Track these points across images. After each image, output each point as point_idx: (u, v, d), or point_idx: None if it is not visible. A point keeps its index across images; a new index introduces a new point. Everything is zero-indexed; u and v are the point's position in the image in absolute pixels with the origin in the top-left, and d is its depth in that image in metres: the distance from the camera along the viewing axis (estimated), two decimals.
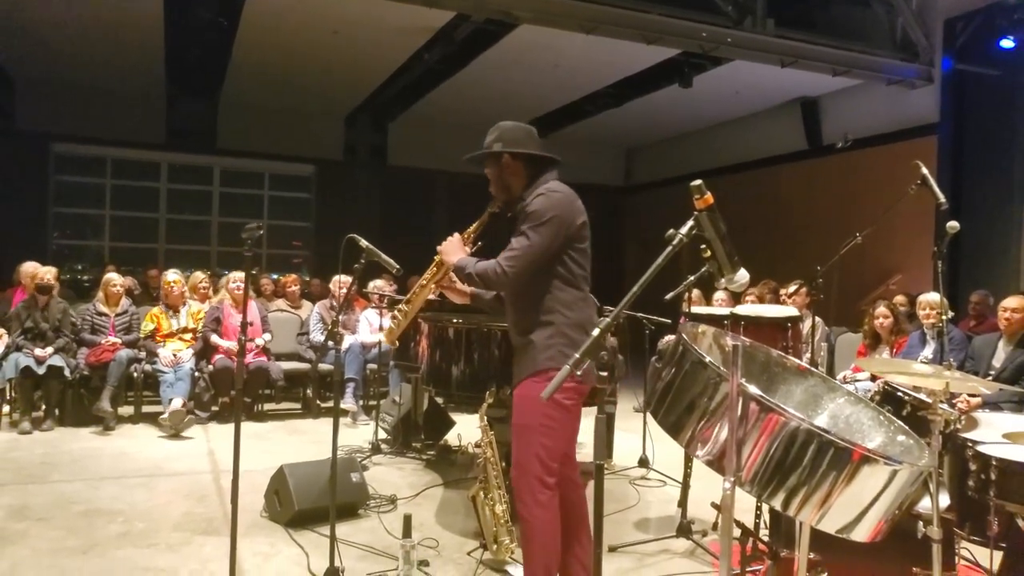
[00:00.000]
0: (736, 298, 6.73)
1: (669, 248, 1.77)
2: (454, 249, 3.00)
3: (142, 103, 11.77)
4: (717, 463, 1.80)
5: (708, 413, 1.82)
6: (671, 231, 1.80)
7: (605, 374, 1.77)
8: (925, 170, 3.54)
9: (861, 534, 1.78)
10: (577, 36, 8.12)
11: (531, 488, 2.79)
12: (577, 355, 1.72)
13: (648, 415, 5.86)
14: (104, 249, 12.69)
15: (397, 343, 3.45)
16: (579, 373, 1.74)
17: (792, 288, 6.63)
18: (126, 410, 6.90)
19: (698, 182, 1.77)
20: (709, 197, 1.77)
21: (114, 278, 7.13)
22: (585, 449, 5.95)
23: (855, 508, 1.75)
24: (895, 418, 2.15)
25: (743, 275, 1.82)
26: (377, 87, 11.52)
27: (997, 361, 5.12)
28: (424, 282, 3.14)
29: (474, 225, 3.07)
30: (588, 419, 2.12)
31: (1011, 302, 5.19)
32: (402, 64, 10.31)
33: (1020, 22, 8.51)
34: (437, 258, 3.08)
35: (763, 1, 8.29)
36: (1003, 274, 8.99)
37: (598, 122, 12.77)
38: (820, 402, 2.21)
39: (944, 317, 3.72)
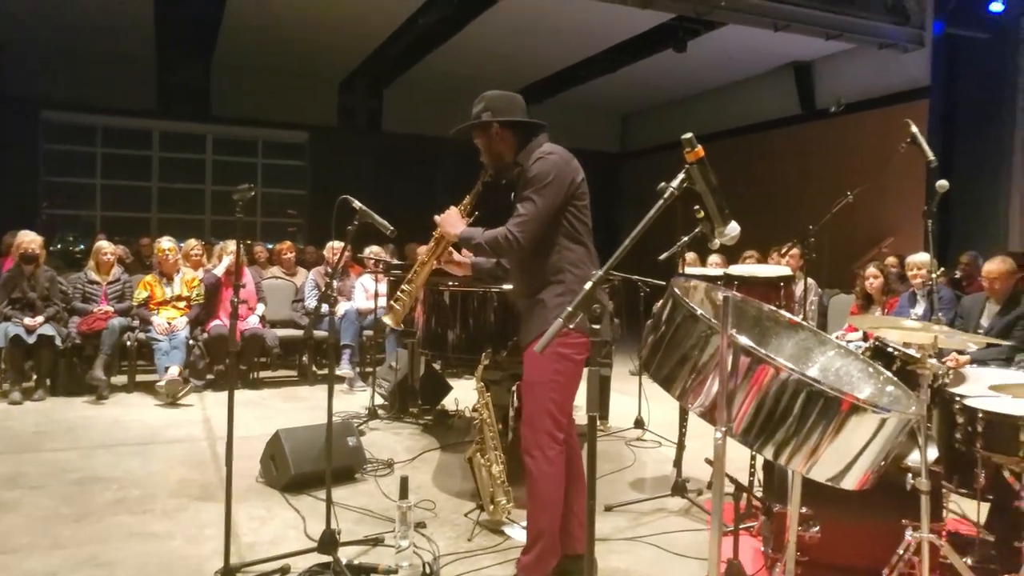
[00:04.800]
0: (731, 260, 6.75)
1: (661, 201, 1.77)
2: (454, 222, 3.04)
3: (133, 69, 11.64)
4: (709, 414, 1.82)
5: (700, 365, 1.84)
6: (663, 184, 1.79)
7: (598, 327, 1.78)
8: (915, 128, 3.54)
9: (850, 482, 1.80)
10: (573, 0, 8.06)
11: (540, 443, 2.87)
12: (570, 308, 1.74)
13: (643, 375, 5.94)
14: (96, 219, 12.62)
15: (402, 325, 3.47)
16: (572, 326, 1.75)
17: (785, 248, 6.65)
18: (119, 379, 6.89)
19: (688, 135, 1.77)
20: (700, 150, 1.77)
21: (105, 246, 7.08)
22: (581, 411, 6.01)
23: (845, 457, 1.78)
24: (885, 371, 2.17)
25: (734, 227, 1.83)
26: (372, 52, 11.42)
27: (985, 320, 5.15)
28: (424, 259, 3.18)
29: (469, 196, 3.12)
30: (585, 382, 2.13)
31: (992, 267, 5.19)
32: (398, 28, 10.21)
33: None
34: (436, 233, 3.12)
35: None
36: (993, 234, 9.07)
37: (594, 88, 12.70)
38: (811, 355, 2.24)
39: (934, 275, 3.72)
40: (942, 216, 9.64)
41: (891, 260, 7.56)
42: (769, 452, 1.79)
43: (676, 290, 1.95)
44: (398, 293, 3.24)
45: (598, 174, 11.67)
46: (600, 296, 2.83)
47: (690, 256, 7.11)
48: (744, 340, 1.77)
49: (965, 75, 9.45)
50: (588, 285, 1.74)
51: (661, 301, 2.03)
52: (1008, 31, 8.91)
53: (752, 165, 12.35)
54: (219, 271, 7.02)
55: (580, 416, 6.01)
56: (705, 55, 10.66)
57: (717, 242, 2.38)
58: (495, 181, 3.07)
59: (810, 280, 7.06)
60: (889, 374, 2.14)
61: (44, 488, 4.18)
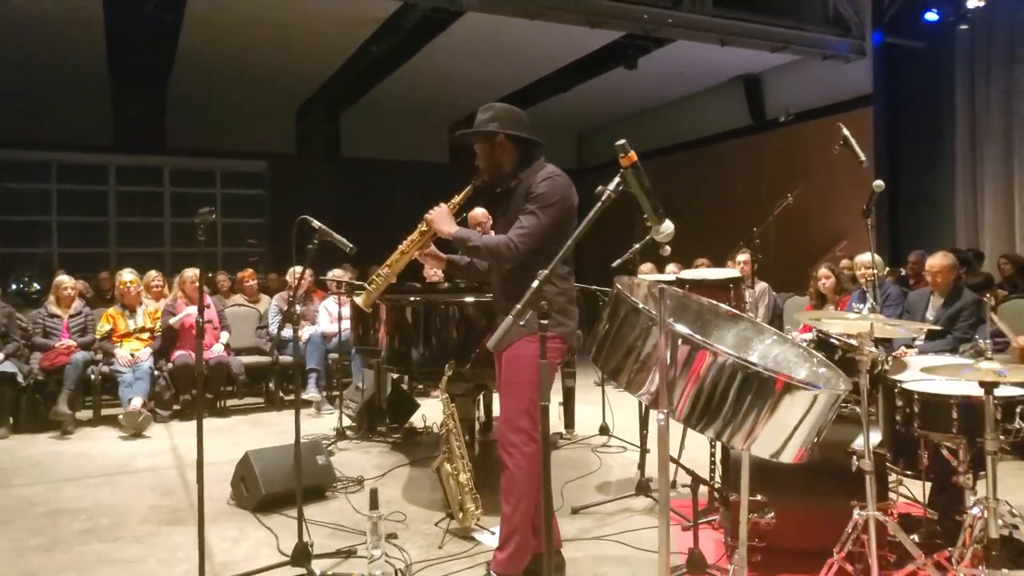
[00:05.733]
0: (687, 268, 6.92)
1: (599, 203, 1.89)
2: (447, 219, 3.17)
3: (86, 105, 11.55)
4: (654, 401, 1.93)
5: (643, 355, 1.96)
6: (600, 187, 1.92)
7: (546, 322, 1.89)
8: (846, 131, 3.73)
9: (788, 456, 1.93)
10: (523, 22, 8.24)
11: (518, 442, 3.00)
12: (519, 306, 1.85)
13: (606, 384, 6.07)
14: (53, 255, 12.46)
15: (370, 308, 3.56)
16: (522, 324, 1.87)
17: (741, 257, 6.84)
18: (85, 414, 6.84)
19: (622, 141, 1.90)
20: (633, 155, 1.90)
21: (65, 280, 7.05)
22: (552, 419, 6.11)
23: (781, 433, 1.91)
24: (818, 354, 2.32)
25: (668, 226, 1.95)
26: (327, 79, 11.50)
27: (930, 313, 5.38)
28: (406, 248, 3.27)
29: (458, 197, 3.25)
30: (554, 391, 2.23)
31: (934, 262, 5.45)
32: (352, 55, 10.31)
33: None
34: (422, 226, 3.23)
35: None
36: (940, 235, 9.41)
37: (549, 107, 12.90)
38: (751, 344, 2.37)
39: (875, 272, 3.92)
40: (892, 219, 10.01)
41: (845, 263, 7.83)
42: (711, 432, 1.91)
43: (619, 286, 2.07)
44: (373, 276, 3.34)
45: None
46: (567, 306, 3.01)
47: (647, 266, 7.29)
48: (682, 328, 1.90)
49: (906, 82, 9.85)
50: (535, 284, 1.86)
51: (608, 299, 2.15)
52: (943, 39, 9.30)
53: (706, 176, 12.65)
54: (174, 321, 7.00)
55: (551, 424, 6.11)
56: (656, 71, 10.92)
57: (668, 248, 2.53)
58: (488, 188, 3.23)
59: (764, 283, 7.29)
60: (822, 357, 2.28)
61: (11, 523, 4.17)
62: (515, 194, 3.11)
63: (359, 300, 3.42)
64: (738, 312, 2.46)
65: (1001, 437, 2.68)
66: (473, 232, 3.12)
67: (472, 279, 3.43)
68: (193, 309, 6.86)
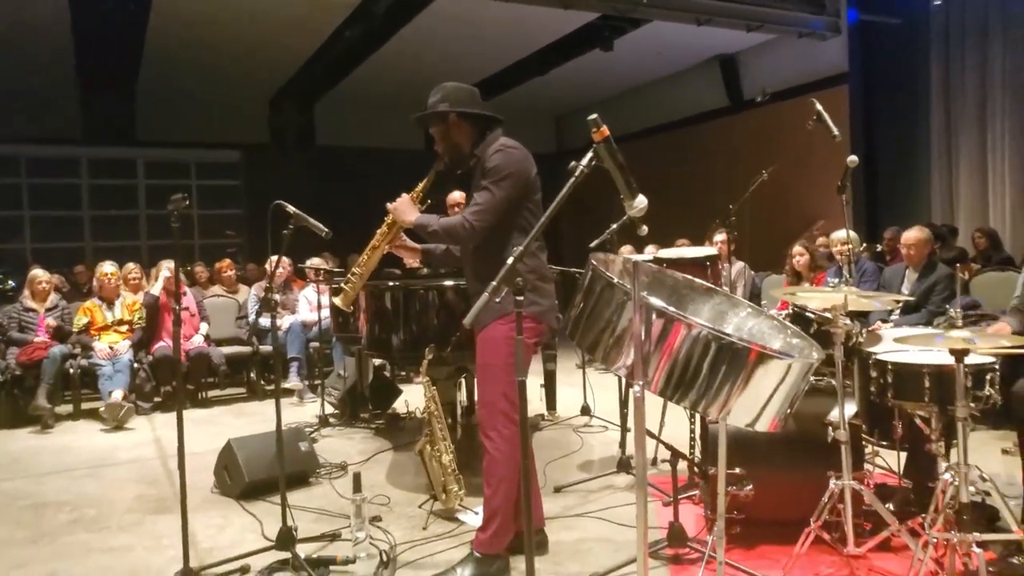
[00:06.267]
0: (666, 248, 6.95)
1: (572, 179, 1.91)
2: (408, 208, 3.13)
3: (54, 99, 11.40)
4: (631, 374, 1.96)
5: (619, 329, 1.98)
6: (573, 163, 1.93)
7: (521, 298, 1.91)
8: (819, 106, 3.76)
9: (763, 425, 1.96)
10: (496, 4, 8.21)
11: (497, 424, 2.98)
12: (494, 283, 1.86)
13: (587, 365, 6.12)
14: (26, 251, 12.31)
15: (351, 307, 3.55)
16: (498, 300, 1.88)
17: (718, 237, 6.87)
18: (64, 409, 6.77)
19: (593, 116, 1.91)
20: (605, 130, 1.91)
21: (40, 274, 6.97)
22: (530, 405, 6.14)
23: (756, 402, 1.94)
24: (792, 326, 2.35)
25: (641, 200, 1.96)
26: (300, 67, 11.42)
27: (905, 288, 5.45)
28: (376, 243, 3.25)
29: (422, 184, 3.20)
30: (529, 374, 2.22)
31: (909, 235, 5.53)
32: (324, 43, 10.23)
33: None
34: (388, 219, 3.20)
35: None
36: (916, 211, 9.51)
37: (525, 91, 12.88)
38: (726, 317, 2.40)
39: (851, 247, 3.96)
40: (869, 196, 10.10)
41: (821, 240, 7.90)
42: (687, 403, 1.94)
43: (594, 262, 2.09)
44: (348, 276, 3.33)
45: (539, 174, 11.88)
46: (538, 283, 3.00)
47: (626, 248, 7.32)
48: (656, 301, 1.92)
49: (881, 60, 9.91)
50: (509, 260, 1.87)
51: (583, 275, 2.17)
52: (917, 16, 9.37)
53: (685, 158, 12.69)
54: (155, 290, 6.96)
55: (529, 409, 6.15)
56: (632, 53, 10.92)
57: (645, 228, 2.54)
58: (449, 171, 3.17)
59: (742, 262, 7.35)
60: (795, 328, 2.32)
61: None
62: (475, 172, 3.06)
63: (338, 301, 3.41)
64: (713, 286, 2.48)
65: (972, 404, 2.73)
66: (432, 217, 3.06)
67: (451, 266, 3.39)
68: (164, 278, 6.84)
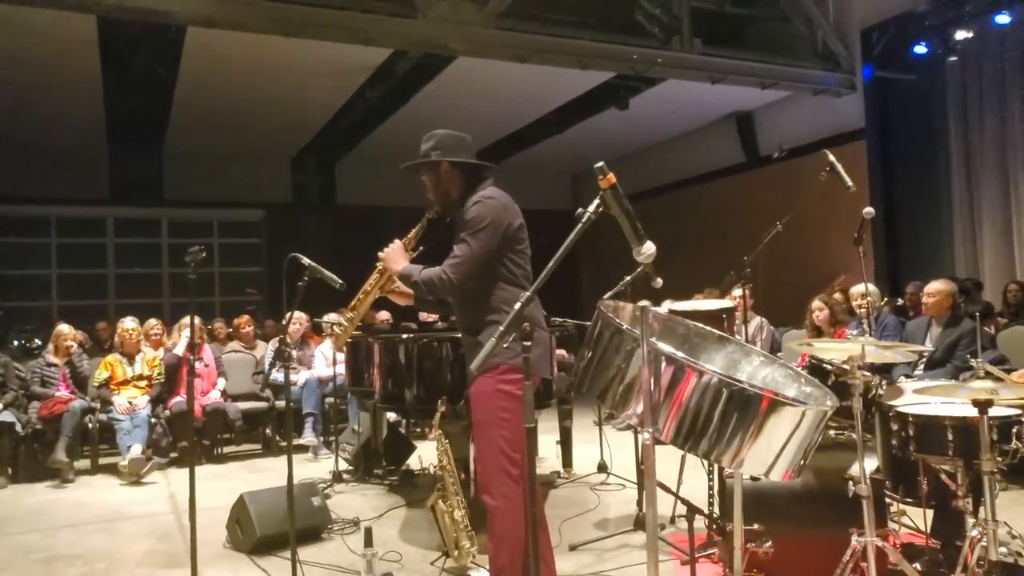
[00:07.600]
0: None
1: (579, 225, 1.91)
2: (397, 257, 3.14)
3: (84, 159, 11.68)
4: (641, 421, 1.92)
5: (629, 376, 1.95)
6: (580, 210, 1.93)
7: (528, 344, 1.89)
8: (832, 157, 3.77)
9: (777, 474, 1.91)
10: (514, 65, 8.36)
11: (496, 481, 2.90)
12: (501, 328, 1.85)
13: (604, 423, 6.03)
14: (52, 308, 12.48)
15: (344, 350, 3.55)
16: (506, 346, 1.86)
17: (736, 292, 6.82)
18: (83, 463, 6.78)
19: (600, 164, 1.92)
20: (611, 177, 1.92)
21: (65, 330, 7.07)
22: (546, 462, 6.06)
23: (770, 451, 1.89)
24: (805, 374, 2.31)
25: (649, 246, 1.95)
26: (321, 128, 11.65)
27: (929, 342, 5.36)
28: (368, 288, 3.26)
29: (413, 231, 3.22)
30: (545, 431, 2.19)
31: (932, 286, 5.47)
32: (345, 103, 10.46)
33: (931, 28, 9.00)
34: (379, 265, 3.22)
35: (689, 21, 8.65)
36: (939, 265, 9.38)
37: (542, 149, 13.05)
38: (739, 366, 2.36)
39: (870, 300, 3.91)
40: (890, 252, 10.01)
41: (838, 296, 7.82)
42: (699, 452, 1.89)
43: (603, 309, 2.07)
44: (341, 320, 3.33)
45: (554, 232, 11.93)
46: (536, 332, 2.96)
47: (642, 303, 7.27)
48: (666, 347, 1.89)
49: (898, 115, 9.93)
50: (517, 305, 1.86)
51: (592, 323, 2.15)
52: (933, 71, 9.40)
53: (701, 214, 12.71)
54: (179, 350, 7.02)
55: (545, 466, 6.05)
56: (648, 111, 11.04)
57: (659, 281, 2.53)
58: (440, 218, 3.17)
59: (760, 318, 7.28)
60: (809, 377, 2.27)
61: (8, 570, 4.13)
62: (456, 223, 3.04)
63: (331, 343, 3.43)
64: (725, 335, 2.45)
65: (998, 458, 2.65)
66: (415, 267, 3.04)
67: (440, 311, 3.38)
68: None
